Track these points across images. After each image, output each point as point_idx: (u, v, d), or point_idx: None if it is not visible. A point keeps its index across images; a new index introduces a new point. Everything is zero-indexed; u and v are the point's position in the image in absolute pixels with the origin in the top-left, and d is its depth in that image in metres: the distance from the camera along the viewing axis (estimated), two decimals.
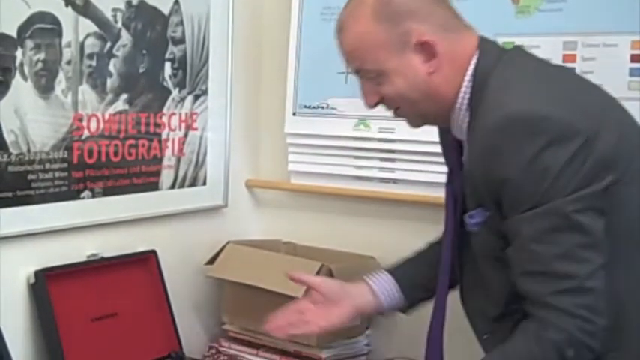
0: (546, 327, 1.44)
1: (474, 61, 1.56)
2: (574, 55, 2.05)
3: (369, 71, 1.60)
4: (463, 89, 1.56)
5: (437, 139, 2.23)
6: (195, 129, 2.41)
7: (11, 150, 1.92)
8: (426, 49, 1.54)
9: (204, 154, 2.44)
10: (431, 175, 2.28)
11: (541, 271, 1.44)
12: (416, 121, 1.68)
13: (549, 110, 1.44)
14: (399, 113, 1.65)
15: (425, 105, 1.59)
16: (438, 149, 2.24)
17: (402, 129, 2.31)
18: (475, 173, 1.53)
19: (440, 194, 2.25)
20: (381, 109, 2.32)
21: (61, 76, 2.01)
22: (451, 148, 1.69)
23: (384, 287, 1.85)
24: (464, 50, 1.56)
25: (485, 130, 1.48)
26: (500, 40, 2.12)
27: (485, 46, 1.58)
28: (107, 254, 2.15)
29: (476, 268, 1.65)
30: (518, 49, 1.65)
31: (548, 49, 2.02)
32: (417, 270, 1.90)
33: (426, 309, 2.27)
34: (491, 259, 1.59)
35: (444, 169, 2.24)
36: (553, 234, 1.43)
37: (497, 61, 1.55)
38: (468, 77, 1.55)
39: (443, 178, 2.24)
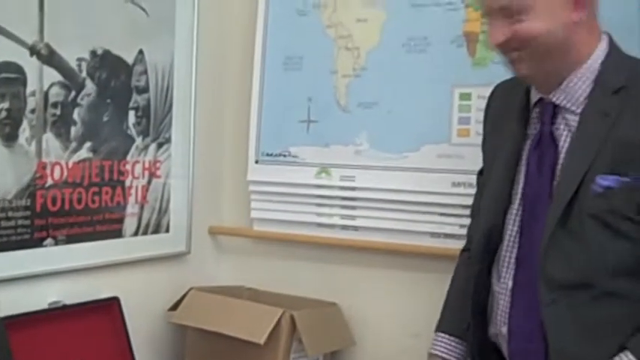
0: None
1: (603, 43, 1.64)
2: None
3: (518, 4, 1.59)
4: (590, 64, 1.62)
5: (397, 186, 2.29)
6: (159, 176, 2.42)
7: None
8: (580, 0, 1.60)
9: (168, 201, 2.46)
10: (391, 222, 2.32)
11: None
12: (529, 70, 1.66)
13: None
14: (520, 57, 1.64)
15: (553, 55, 1.62)
16: (397, 196, 2.29)
17: (362, 177, 2.37)
18: (633, 136, 1.55)
19: (401, 240, 2.31)
20: (342, 157, 2.38)
21: (25, 124, 2.03)
22: (538, 118, 1.70)
23: (447, 349, 1.87)
24: (596, 30, 1.65)
25: None
26: (457, 91, 2.21)
27: (614, 44, 1.68)
28: (69, 301, 2.14)
29: (573, 230, 1.60)
30: None
31: None
32: (458, 313, 1.87)
33: (385, 354, 2.29)
34: (602, 225, 1.57)
35: (405, 216, 2.30)
36: None
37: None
38: (597, 59, 1.62)
39: (403, 225, 2.30)
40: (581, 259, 1.58)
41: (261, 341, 2.17)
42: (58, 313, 2.11)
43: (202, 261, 2.62)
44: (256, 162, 2.55)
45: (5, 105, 1.98)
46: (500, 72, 2.03)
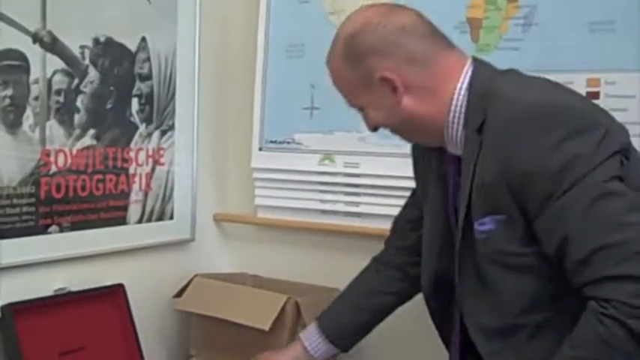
0: (605, 305, 1.41)
1: (464, 77, 1.60)
2: None
3: (353, 106, 1.70)
4: (454, 104, 1.60)
5: (401, 173, 2.29)
6: (163, 164, 2.43)
7: None
8: (389, 83, 1.60)
9: (172, 189, 2.46)
10: (395, 209, 2.30)
11: (591, 250, 1.42)
12: (412, 141, 1.77)
13: (570, 101, 1.51)
14: (394, 134, 1.72)
15: (409, 128, 1.66)
16: (402, 183, 2.29)
17: (366, 164, 2.37)
18: (489, 178, 1.53)
19: None
20: (346, 144, 2.38)
21: (28, 112, 2.03)
22: (449, 168, 1.70)
23: (311, 340, 1.98)
24: (444, 74, 1.61)
25: (502, 123, 1.50)
26: None
27: (479, 64, 1.64)
28: (74, 288, 2.15)
29: (476, 279, 1.62)
30: (518, 70, 1.69)
31: None
32: (342, 317, 1.99)
33: (388, 341, 2.30)
34: (498, 266, 1.57)
35: None
36: (593, 208, 1.42)
37: (499, 73, 1.62)
38: (460, 93, 1.59)
39: None
40: (497, 303, 1.60)
41: (266, 327, 2.17)
42: (63, 299, 2.12)
43: (207, 248, 2.63)
44: (260, 149, 2.56)
45: (9, 92, 1.98)
46: (503, 58, 2.04)
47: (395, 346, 2.40)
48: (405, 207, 2.01)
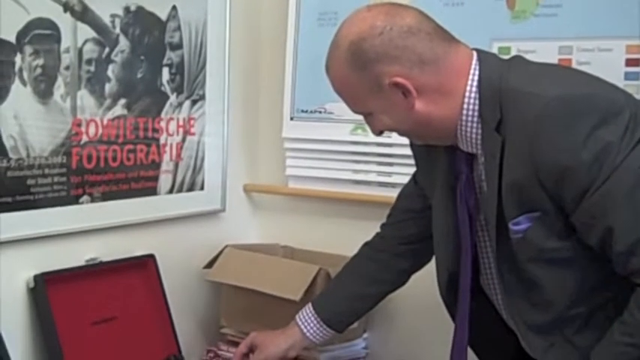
0: None
1: (474, 74, 1.56)
2: (569, 60, 2.06)
3: (359, 113, 1.65)
4: (467, 103, 1.56)
5: None
6: (193, 134, 2.42)
7: (10, 155, 1.92)
8: (400, 88, 1.55)
9: (202, 159, 2.45)
10: None
11: (636, 239, 1.42)
12: (421, 142, 1.72)
13: (590, 90, 1.47)
14: (404, 136, 1.70)
15: (421, 131, 1.62)
16: None
17: None
18: (518, 175, 1.50)
19: None
20: None
21: (59, 81, 2.02)
22: (461, 164, 1.67)
23: (307, 323, 1.99)
24: (454, 72, 1.56)
25: (526, 120, 1.47)
26: (496, 45, 2.16)
27: (484, 56, 1.59)
28: (106, 259, 2.16)
29: (518, 278, 1.61)
30: (520, 56, 1.65)
31: (543, 54, 2.03)
32: (339, 305, 2.00)
33: (424, 314, 2.29)
34: (544, 263, 1.56)
35: None
36: (633, 197, 1.42)
37: (505, 66, 1.56)
38: (471, 90, 1.55)
39: None
40: (543, 299, 1.58)
41: (297, 298, 2.16)
42: (95, 269, 2.13)
43: (237, 219, 2.62)
44: (291, 119, 2.54)
45: (40, 62, 1.97)
46: (540, 25, 2.01)
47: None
48: (404, 197, 1.99)
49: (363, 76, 1.56)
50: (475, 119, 1.56)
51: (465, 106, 1.56)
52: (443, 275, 1.80)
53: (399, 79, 1.54)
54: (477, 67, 1.56)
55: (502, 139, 1.52)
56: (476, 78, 1.56)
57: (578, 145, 1.42)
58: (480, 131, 1.56)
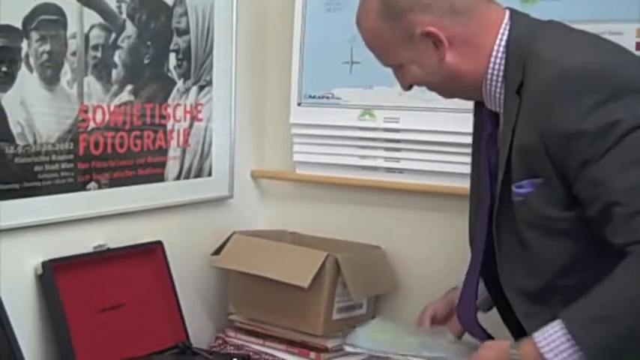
0: None
1: (503, 33, 1.57)
2: None
3: (390, 65, 1.67)
4: (493, 61, 1.57)
5: (442, 127, 2.26)
6: (200, 120, 2.41)
7: (17, 141, 1.92)
8: (432, 38, 1.57)
9: (210, 145, 2.45)
10: (436, 165, 2.29)
11: (634, 212, 1.40)
12: (449, 97, 1.74)
13: (610, 61, 1.47)
14: (432, 91, 1.71)
15: (450, 85, 1.64)
16: (443, 138, 2.26)
17: (407, 118, 2.33)
18: (530, 140, 1.51)
19: (445, 183, 2.28)
20: (386, 99, 2.35)
21: (66, 67, 2.01)
22: (487, 120, 1.69)
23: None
24: (484, 26, 1.58)
25: (540, 86, 1.48)
26: None
27: (517, 17, 1.60)
28: (113, 245, 2.15)
29: (515, 241, 1.62)
30: (557, 22, 1.65)
31: None
32: None
33: (429, 299, 2.28)
34: (537, 229, 1.57)
35: (450, 158, 2.27)
36: (632, 170, 1.41)
37: (537, 29, 1.57)
38: (498, 49, 1.57)
39: (448, 167, 2.27)
40: (534, 265, 1.59)
41: (306, 285, 2.16)
42: (102, 256, 2.13)
43: (245, 205, 2.61)
44: (299, 104, 2.52)
45: (46, 47, 1.96)
46: (550, 9, 1.98)
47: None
48: None
49: (395, 25, 1.58)
50: (500, 78, 1.58)
51: (491, 65, 1.58)
52: (471, 225, 1.81)
53: (431, 29, 1.56)
54: (508, 26, 1.58)
55: (519, 102, 1.53)
56: (504, 37, 1.57)
57: (584, 114, 1.43)
58: (503, 91, 1.58)
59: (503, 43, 1.57)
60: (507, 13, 1.60)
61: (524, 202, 1.56)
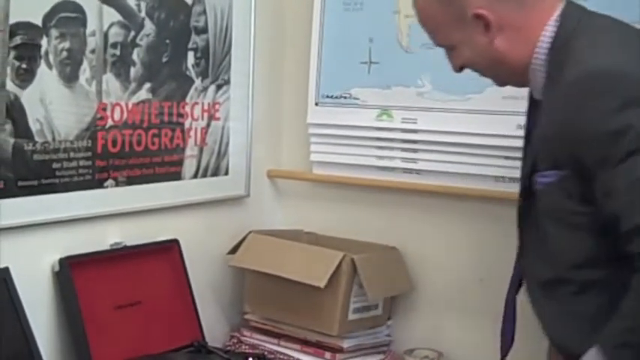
0: None
1: (552, 25, 1.58)
2: None
3: (441, 45, 1.69)
4: (537, 52, 1.59)
5: (459, 128, 2.25)
6: (218, 119, 2.41)
7: (36, 138, 1.93)
8: (482, 21, 1.59)
9: (227, 144, 2.45)
10: (453, 166, 2.28)
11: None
12: (498, 83, 1.75)
13: (632, 67, 1.46)
14: (481, 75, 1.72)
15: (496, 69, 1.66)
16: (461, 139, 2.25)
17: (424, 119, 2.33)
18: (551, 132, 1.53)
19: (462, 184, 2.28)
20: (404, 99, 2.34)
21: (85, 65, 2.02)
22: (531, 108, 1.71)
23: None
24: (536, 16, 1.59)
25: (566, 83, 1.50)
26: None
27: (568, 10, 1.60)
28: (130, 243, 2.16)
29: (536, 228, 1.63)
30: (606, 16, 1.64)
31: None
32: None
33: (447, 302, 2.28)
34: (554, 220, 1.58)
35: (467, 159, 2.26)
36: None
37: (580, 25, 1.57)
38: (543, 40, 1.58)
39: (465, 168, 2.26)
40: (549, 255, 1.61)
41: (322, 285, 2.16)
42: (119, 254, 2.13)
43: (261, 204, 2.61)
44: (316, 104, 2.52)
45: (66, 45, 1.97)
46: None
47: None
48: None
49: (448, 6, 1.61)
50: (542, 69, 1.59)
51: (536, 55, 1.59)
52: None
53: (482, 11, 1.58)
54: (558, 19, 1.58)
55: (553, 95, 1.55)
56: (552, 29, 1.58)
57: (603, 116, 1.43)
58: (544, 81, 1.59)
59: (548, 34, 1.58)
60: (561, 5, 1.61)
61: (543, 191, 1.57)
